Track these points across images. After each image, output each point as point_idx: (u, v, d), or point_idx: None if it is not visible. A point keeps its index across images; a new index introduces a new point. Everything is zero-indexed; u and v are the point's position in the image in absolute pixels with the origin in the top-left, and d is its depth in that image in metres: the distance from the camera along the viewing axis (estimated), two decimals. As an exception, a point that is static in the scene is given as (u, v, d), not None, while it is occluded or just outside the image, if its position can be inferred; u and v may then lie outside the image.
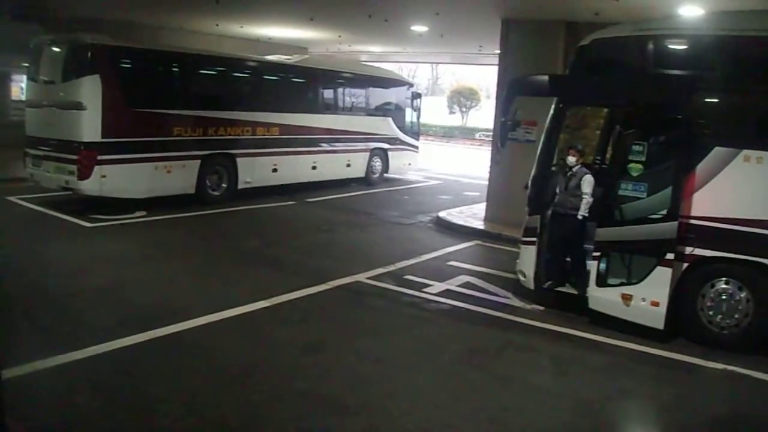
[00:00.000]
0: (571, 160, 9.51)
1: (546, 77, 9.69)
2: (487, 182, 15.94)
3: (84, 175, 14.29)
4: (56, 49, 15.37)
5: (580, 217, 9.35)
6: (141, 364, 7.00)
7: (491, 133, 18.34)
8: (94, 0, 18.84)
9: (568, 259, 9.67)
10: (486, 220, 15.29)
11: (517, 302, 9.68)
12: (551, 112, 9.70)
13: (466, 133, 49.93)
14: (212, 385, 6.58)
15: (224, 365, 7.08)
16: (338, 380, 6.84)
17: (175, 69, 16.74)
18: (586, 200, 9.31)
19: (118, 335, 7.50)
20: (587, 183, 9.35)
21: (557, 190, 9.64)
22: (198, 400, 6.26)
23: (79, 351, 6.98)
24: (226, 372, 6.91)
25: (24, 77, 16.46)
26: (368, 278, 10.56)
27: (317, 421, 5.94)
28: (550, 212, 9.64)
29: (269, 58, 20.33)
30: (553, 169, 9.82)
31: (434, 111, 48.42)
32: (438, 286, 10.21)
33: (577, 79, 9.75)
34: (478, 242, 13.82)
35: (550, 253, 9.66)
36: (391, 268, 11.20)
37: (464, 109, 59.43)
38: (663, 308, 8.18)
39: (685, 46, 9.06)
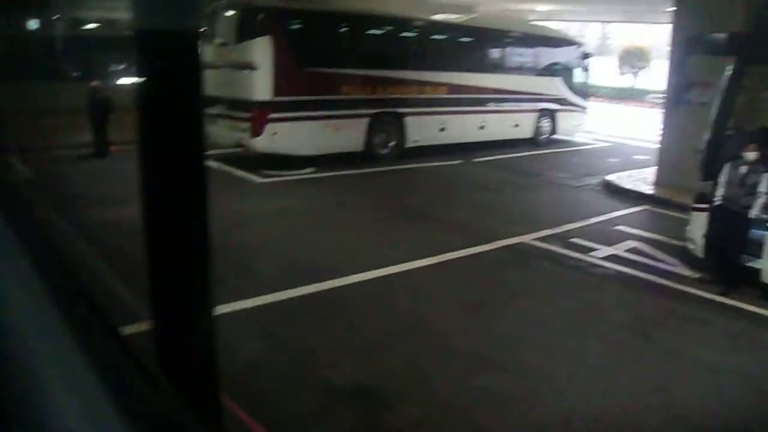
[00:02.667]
0: (750, 156, 8.62)
1: (726, 35, 9.30)
2: (657, 146, 15.55)
3: (256, 132, 14.99)
4: (230, 12, 16.07)
5: (753, 216, 8.63)
6: (307, 316, 7.35)
7: (663, 96, 17.79)
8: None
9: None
10: (656, 184, 14.91)
11: (685, 271, 9.43)
12: (729, 72, 9.22)
13: (637, 95, 48.29)
14: (375, 339, 6.86)
15: (388, 320, 7.36)
16: (499, 341, 6.97)
17: (343, 29, 17.17)
18: (763, 201, 8.50)
19: (284, 287, 7.89)
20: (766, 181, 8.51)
21: (724, 180, 8.87)
22: (361, 352, 6.57)
23: (247, 300, 7.40)
24: (390, 326, 7.18)
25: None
26: (534, 239, 10.60)
27: (476, 380, 6.08)
28: (717, 202, 9.01)
29: (437, 17, 20.44)
30: (729, 133, 9.47)
31: (603, 72, 47.06)
32: (604, 251, 10.15)
33: (763, 36, 9.20)
34: (647, 207, 13.54)
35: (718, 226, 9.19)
36: (557, 230, 11.19)
37: (635, 70, 57.41)
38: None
39: None
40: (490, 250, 10.03)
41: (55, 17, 25.31)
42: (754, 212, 8.60)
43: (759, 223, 8.61)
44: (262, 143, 15.12)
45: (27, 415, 1.31)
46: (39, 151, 15.05)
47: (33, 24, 25.05)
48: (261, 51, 14.94)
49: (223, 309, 6.81)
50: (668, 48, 15.83)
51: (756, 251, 8.62)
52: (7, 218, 2.38)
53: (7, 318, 1.69)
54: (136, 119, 0.85)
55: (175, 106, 0.82)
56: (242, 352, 6.19)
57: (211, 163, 14.91)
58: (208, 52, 16.35)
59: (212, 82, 15.89)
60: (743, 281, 8.73)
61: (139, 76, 0.85)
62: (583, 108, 23.35)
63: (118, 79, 22.07)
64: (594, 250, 10.20)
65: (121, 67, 23.20)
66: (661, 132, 15.22)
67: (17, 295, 1.78)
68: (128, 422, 1.10)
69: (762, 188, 8.53)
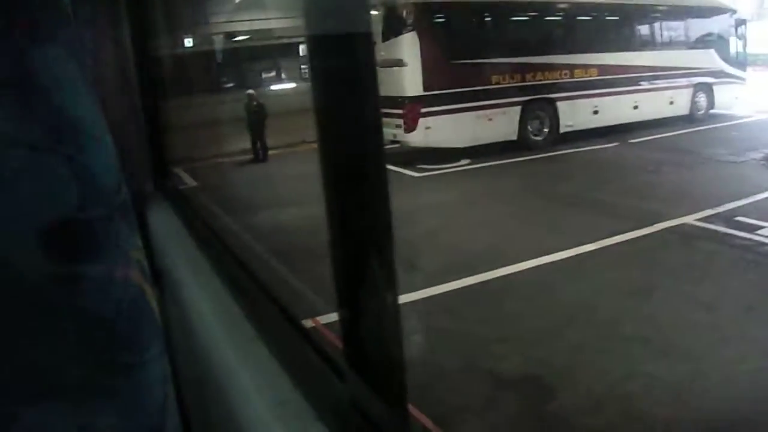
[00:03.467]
0: None
1: None
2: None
3: (410, 127, 15.21)
4: (374, 12, 16.34)
5: None
6: (470, 307, 7.42)
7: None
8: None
9: None
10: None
11: None
12: None
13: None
14: (538, 327, 6.84)
15: (551, 308, 7.31)
16: (666, 325, 6.80)
17: (487, 19, 17.18)
18: None
19: (447, 279, 7.97)
20: None
21: None
22: (525, 341, 6.57)
23: (412, 293, 7.45)
24: (553, 314, 7.12)
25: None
26: (696, 220, 10.25)
27: (642, 365, 5.96)
28: None
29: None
30: None
31: (763, 37, 44.87)
32: (776, 228, 9.72)
33: None
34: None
35: None
36: (721, 209, 10.74)
37: (798, 33, 54.28)
38: None
39: None
40: (652, 233, 9.77)
41: (207, 33, 26.45)
42: None
43: None
44: (416, 138, 15.34)
45: (220, 405, 1.41)
46: (202, 161, 15.79)
47: (188, 41, 26.28)
48: (408, 47, 15.15)
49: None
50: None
51: None
52: (186, 225, 2.54)
53: (195, 316, 1.81)
54: (314, 122, 0.91)
55: (354, 106, 0.87)
56: (407, 344, 6.28)
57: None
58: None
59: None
60: None
61: (314, 80, 0.91)
62: (742, 79, 22.32)
63: (270, 86, 22.84)
64: (762, 228, 9.74)
65: (272, 74, 24.02)
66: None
67: (199, 291, 1.91)
68: (316, 411, 1.18)
69: None
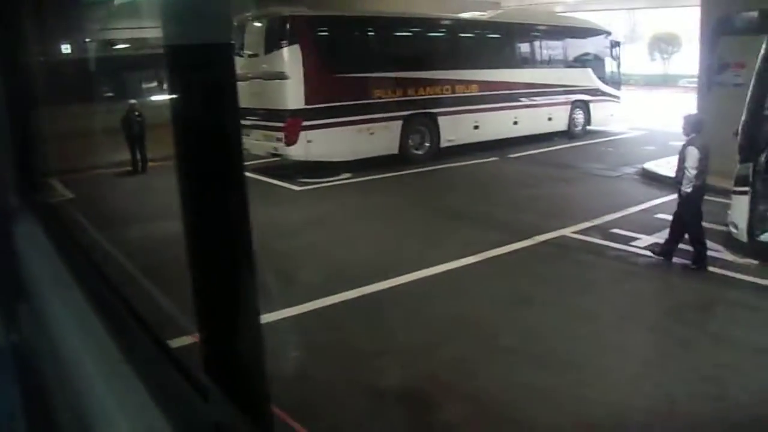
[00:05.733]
0: None
1: (756, 13, 9.17)
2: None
3: (291, 140, 15.11)
4: (257, 24, 16.17)
5: None
6: (351, 321, 7.40)
7: (696, 80, 17.57)
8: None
9: None
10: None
11: (729, 256, 9.29)
12: (762, 51, 9.11)
13: (669, 81, 47.90)
14: (421, 340, 6.86)
15: (433, 320, 7.34)
16: (546, 336, 6.95)
17: (370, 33, 17.30)
18: None
19: (327, 293, 7.89)
20: None
21: (765, 160, 8.93)
22: (408, 354, 6.56)
23: (292, 308, 7.40)
24: (435, 327, 7.16)
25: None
26: (574, 232, 10.53)
27: (525, 376, 6.05)
28: (763, 160, 9.06)
29: (463, 15, 20.46)
30: (766, 113, 9.31)
31: (634, 59, 46.64)
32: (646, 240, 10.01)
33: None
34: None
35: (763, 204, 9.22)
36: (597, 221, 11.08)
37: (665, 56, 56.82)
38: None
39: None
40: (532, 246, 9.98)
41: (86, 40, 25.70)
42: None
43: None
44: (297, 151, 15.23)
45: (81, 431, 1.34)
46: (78, 172, 15.26)
47: (65, 48, 25.45)
48: (290, 60, 15.06)
49: (267, 318, 6.86)
50: (699, 30, 15.67)
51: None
52: (51, 239, 2.41)
53: (56, 336, 1.72)
54: (173, 134, 0.87)
55: (212, 119, 0.84)
56: (288, 359, 6.21)
57: (249, 174, 15.20)
58: (238, 64, 16.48)
59: (244, 94, 15.95)
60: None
61: (172, 92, 0.87)
62: (617, 97, 23.17)
63: (150, 96, 22.34)
64: (635, 239, 10.09)
65: (153, 84, 23.50)
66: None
67: (65, 314, 1.81)
68: (182, 432, 1.12)
69: None
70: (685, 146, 8.73)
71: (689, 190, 8.61)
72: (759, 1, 11.23)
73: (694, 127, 8.85)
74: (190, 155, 0.97)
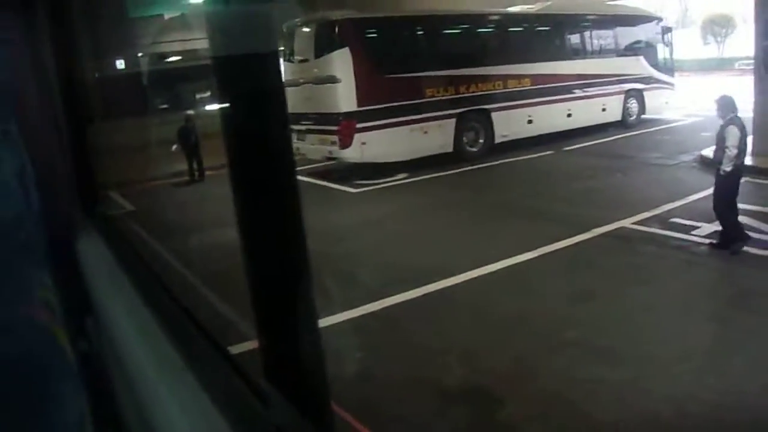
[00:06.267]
0: None
1: None
2: (752, 114, 15.01)
3: (345, 143, 15.18)
4: (306, 29, 16.29)
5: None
6: (414, 319, 7.40)
7: (753, 61, 17.20)
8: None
9: None
10: (755, 154, 14.36)
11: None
12: None
13: (724, 64, 46.86)
14: (484, 337, 6.84)
15: (494, 317, 7.32)
16: (608, 329, 6.88)
17: (419, 32, 17.27)
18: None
19: (389, 293, 7.91)
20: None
21: None
22: (471, 351, 6.54)
23: (355, 309, 7.45)
24: (497, 324, 7.14)
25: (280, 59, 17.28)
26: (633, 223, 10.39)
27: (588, 370, 5.99)
28: None
29: (512, 9, 20.33)
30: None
31: (687, 44, 45.83)
32: (707, 228, 9.80)
33: None
34: (747, 179, 13.07)
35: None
36: (657, 211, 10.91)
37: (719, 39, 55.65)
38: None
39: None
40: (591, 238, 9.88)
41: (139, 54, 26.13)
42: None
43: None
44: (353, 154, 15.30)
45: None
46: (137, 183, 15.53)
47: (119, 63, 25.92)
48: (341, 63, 15.14)
49: (332, 319, 6.88)
50: (754, 10, 15.32)
51: None
52: (113, 251, 2.47)
53: (121, 345, 1.76)
54: (224, 143, 0.90)
55: (260, 127, 0.85)
56: (353, 360, 6.25)
57: (306, 178, 15.31)
58: (289, 70, 16.62)
59: (297, 99, 16.11)
60: None
61: (221, 103, 0.89)
62: (671, 84, 22.82)
63: (204, 106, 22.64)
64: (696, 228, 9.90)
65: (206, 94, 23.81)
66: (755, 99, 14.69)
67: (128, 323, 1.85)
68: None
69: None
70: (724, 126, 8.70)
71: (729, 168, 8.59)
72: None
73: (730, 107, 8.84)
74: (240, 163, 0.99)
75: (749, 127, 14.74)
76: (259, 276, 1.02)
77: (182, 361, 1.44)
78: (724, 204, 8.83)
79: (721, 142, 8.65)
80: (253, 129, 0.96)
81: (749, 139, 13.94)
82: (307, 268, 1.02)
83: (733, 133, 8.53)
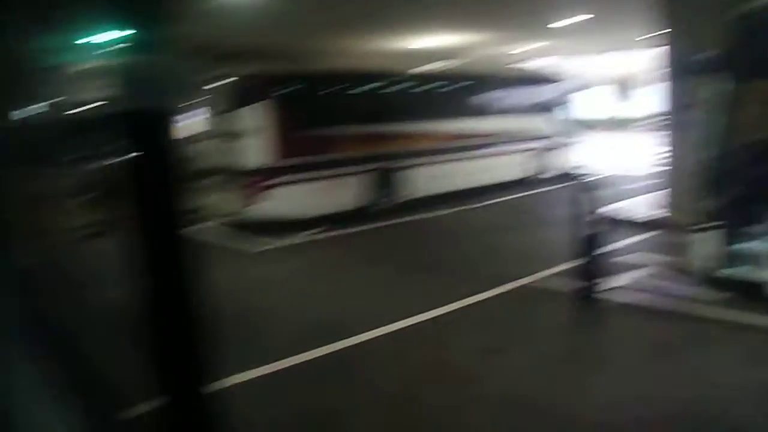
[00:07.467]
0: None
1: (716, 53, 9.35)
2: (657, 172, 15.40)
3: (255, 198, 15.05)
4: (224, 82, 16.22)
5: None
6: (323, 378, 7.30)
7: (654, 120, 17.73)
8: (252, 31, 19.79)
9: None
10: (661, 208, 14.77)
11: (697, 292, 9.32)
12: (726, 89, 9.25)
13: (626, 123, 48.29)
14: (395, 394, 6.80)
15: (406, 374, 7.29)
16: (524, 381, 6.92)
17: (330, 89, 17.31)
18: None
19: (297, 351, 7.84)
20: None
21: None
22: (382, 409, 6.49)
23: (262, 367, 7.40)
24: (408, 380, 7.10)
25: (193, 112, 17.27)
26: (541, 279, 10.60)
27: (507, 423, 6.04)
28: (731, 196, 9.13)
29: (423, 68, 20.71)
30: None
31: (591, 104, 47.06)
32: (613, 282, 10.01)
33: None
34: (653, 233, 13.43)
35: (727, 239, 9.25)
36: (564, 266, 10.94)
37: (623, 98, 57.40)
38: None
39: None
40: (499, 294, 9.98)
41: (42, 103, 25.53)
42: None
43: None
44: (262, 209, 15.11)
45: None
46: (38, 236, 14.99)
47: (19, 113, 25.25)
48: (253, 118, 15.06)
49: (238, 378, 6.87)
50: (661, 71, 15.83)
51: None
52: (9, 308, 2.32)
53: (19, 407, 1.63)
54: (120, 199, 0.85)
55: (152, 184, 0.81)
56: (261, 420, 6.08)
57: (210, 235, 15.03)
58: (206, 122, 16.45)
59: (208, 153, 15.93)
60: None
61: (116, 157, 0.85)
62: (574, 143, 23.40)
63: (108, 159, 22.16)
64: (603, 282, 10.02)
65: (112, 147, 23.35)
66: (665, 156, 15.09)
67: (25, 386, 1.72)
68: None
69: None
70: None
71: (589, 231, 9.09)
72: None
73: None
74: (134, 220, 0.92)
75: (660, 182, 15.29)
76: (156, 335, 0.94)
77: (81, 422, 1.34)
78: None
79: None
80: (146, 183, 0.89)
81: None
82: (203, 326, 0.95)
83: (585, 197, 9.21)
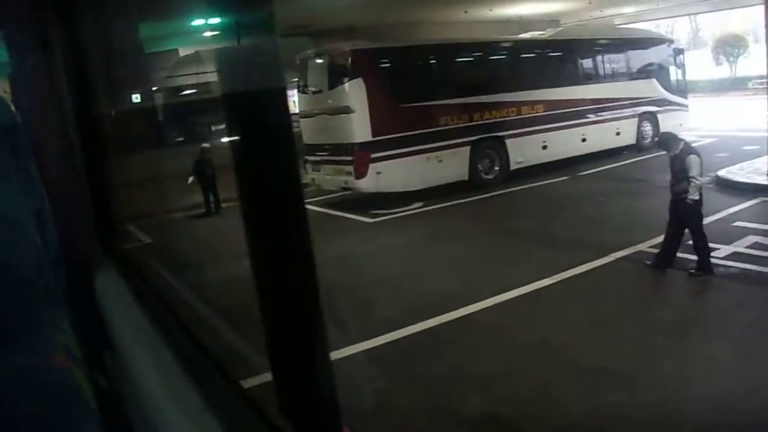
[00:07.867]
0: None
1: None
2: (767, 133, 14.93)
3: (360, 174, 15.19)
4: (319, 61, 16.40)
5: None
6: (432, 349, 7.36)
7: (765, 80, 17.13)
8: (346, 8, 19.90)
9: None
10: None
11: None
12: None
13: (737, 84, 46.58)
14: (502, 365, 6.82)
15: (513, 345, 7.30)
16: (628, 353, 6.82)
17: (432, 61, 17.31)
18: None
19: (407, 322, 7.90)
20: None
21: None
22: (489, 379, 6.51)
23: (374, 339, 7.46)
24: (516, 351, 7.11)
25: (294, 91, 17.65)
26: (650, 247, 10.31)
27: (607, 396, 5.97)
28: None
29: (523, 36, 20.41)
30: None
31: (699, 65, 45.64)
32: (725, 249, 9.80)
33: None
34: (765, 199, 13.03)
35: None
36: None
37: (731, 59, 55.36)
38: None
39: None
40: (608, 263, 9.88)
41: (154, 88, 26.35)
42: None
43: None
44: (367, 184, 15.32)
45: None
46: (154, 216, 15.57)
47: (135, 97, 26.13)
48: (354, 94, 15.20)
49: (348, 351, 6.89)
50: (766, 29, 15.28)
51: None
52: (130, 286, 2.47)
53: (138, 381, 1.76)
54: (235, 176, 0.92)
55: (268, 162, 0.87)
56: (369, 391, 6.22)
57: (321, 209, 15.32)
58: (303, 101, 16.69)
59: (312, 130, 16.16)
60: None
61: (230, 137, 0.91)
62: (684, 105, 22.75)
63: (220, 138, 22.76)
64: (714, 249, 9.73)
65: (222, 126, 23.94)
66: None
67: (146, 359, 1.85)
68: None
69: None
70: (680, 157, 8.94)
71: (697, 197, 8.78)
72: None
73: (673, 142, 9.27)
74: (249, 196, 1.00)
75: (764, 147, 14.79)
76: (271, 308, 1.03)
77: (198, 397, 1.44)
78: (698, 230, 8.97)
79: (682, 173, 8.84)
80: (260, 163, 0.97)
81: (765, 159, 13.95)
82: (317, 299, 1.02)
83: (695, 162, 8.74)
